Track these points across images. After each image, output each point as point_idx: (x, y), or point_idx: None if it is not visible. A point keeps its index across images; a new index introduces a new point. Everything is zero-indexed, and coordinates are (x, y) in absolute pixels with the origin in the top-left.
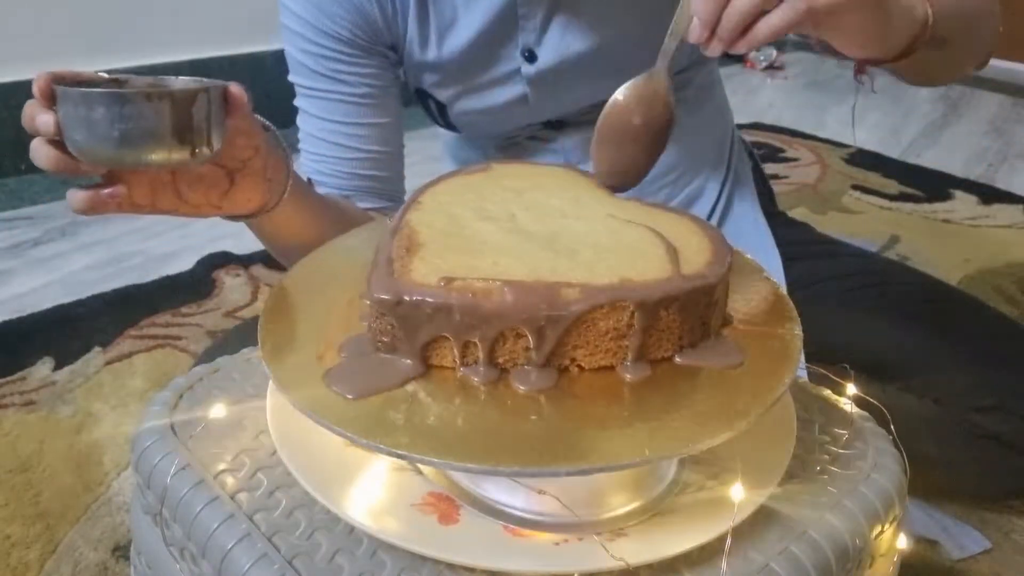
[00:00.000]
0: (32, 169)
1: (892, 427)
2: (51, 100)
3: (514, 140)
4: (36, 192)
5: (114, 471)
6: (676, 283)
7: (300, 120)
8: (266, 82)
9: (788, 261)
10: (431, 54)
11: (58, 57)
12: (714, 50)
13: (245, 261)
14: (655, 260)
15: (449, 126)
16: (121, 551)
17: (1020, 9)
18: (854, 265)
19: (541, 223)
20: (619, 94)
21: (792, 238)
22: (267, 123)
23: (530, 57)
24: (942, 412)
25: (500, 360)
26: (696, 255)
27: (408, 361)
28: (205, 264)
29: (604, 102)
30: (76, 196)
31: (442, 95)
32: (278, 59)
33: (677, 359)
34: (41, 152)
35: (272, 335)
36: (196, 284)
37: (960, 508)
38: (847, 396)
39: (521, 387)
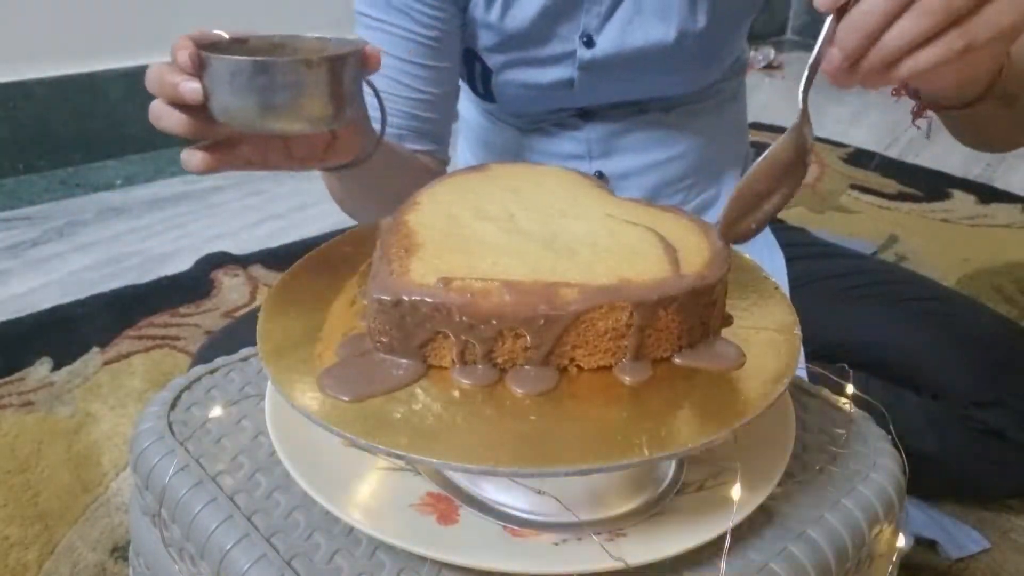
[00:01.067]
0: (30, 169)
1: (891, 427)
2: (198, 67)
3: (540, 125)
4: (34, 192)
5: (112, 471)
6: (675, 283)
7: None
8: None
9: (787, 261)
10: (494, 16)
11: (57, 57)
12: (844, 81)
13: (243, 261)
14: (654, 260)
15: (486, 95)
16: (119, 552)
17: None
18: (850, 265)
19: (540, 223)
20: (774, 155)
21: (789, 240)
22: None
23: (588, 42)
24: (942, 408)
25: (499, 360)
26: (695, 255)
27: (406, 361)
28: (203, 264)
29: (647, 100)
30: (195, 157)
31: (492, 60)
32: None
33: (676, 359)
34: (172, 117)
35: (271, 335)
36: (194, 284)
37: (959, 508)
38: (846, 396)
39: (520, 387)
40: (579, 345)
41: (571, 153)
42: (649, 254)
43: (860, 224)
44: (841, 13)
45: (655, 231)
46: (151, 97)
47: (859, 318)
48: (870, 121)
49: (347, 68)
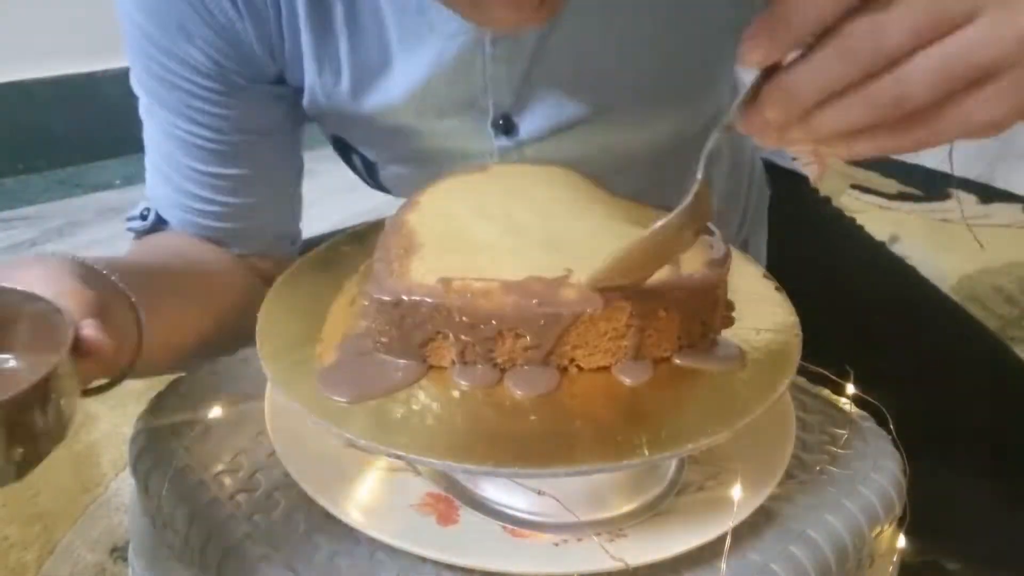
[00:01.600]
0: (30, 169)
1: (891, 426)
2: None
3: None
4: (33, 192)
5: (112, 472)
6: (675, 283)
7: (145, 135)
8: None
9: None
10: (347, 106)
11: (57, 57)
12: (767, 142)
13: None
14: None
15: (380, 186)
16: (119, 552)
17: None
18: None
19: (540, 223)
20: (671, 226)
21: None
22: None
23: (507, 127)
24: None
25: (499, 360)
26: (695, 255)
27: (405, 362)
28: None
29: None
30: None
31: (369, 153)
32: None
33: (676, 360)
34: None
35: (271, 335)
36: None
37: None
38: (846, 396)
39: (520, 389)
40: (579, 345)
41: None
42: None
43: (861, 223)
44: (770, 72)
45: None
46: None
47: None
48: None
49: (36, 404)
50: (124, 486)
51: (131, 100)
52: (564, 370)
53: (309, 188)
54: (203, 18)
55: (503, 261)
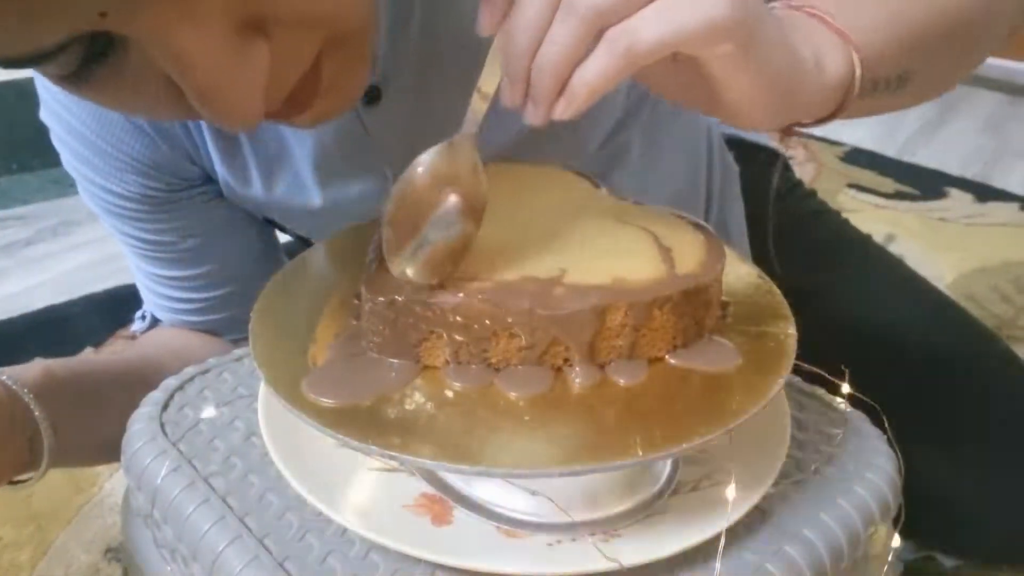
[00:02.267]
0: (24, 168)
1: (887, 425)
2: None
3: None
4: (27, 192)
5: (106, 472)
6: (669, 283)
7: (124, 249)
8: None
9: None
10: (262, 197)
11: None
12: (535, 117)
13: None
14: (649, 260)
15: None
16: (113, 553)
17: None
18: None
19: (536, 222)
20: (418, 169)
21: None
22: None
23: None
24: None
25: (493, 360)
26: (689, 254)
27: (398, 362)
28: None
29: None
30: None
31: (300, 230)
32: None
33: (671, 360)
34: None
35: (263, 335)
36: None
37: None
38: (841, 395)
39: (513, 390)
40: (569, 347)
41: None
42: (644, 254)
43: (857, 223)
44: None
45: (649, 230)
46: None
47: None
48: (867, 120)
49: None
50: (118, 487)
51: None
52: (558, 370)
53: None
54: (117, 152)
55: (497, 261)
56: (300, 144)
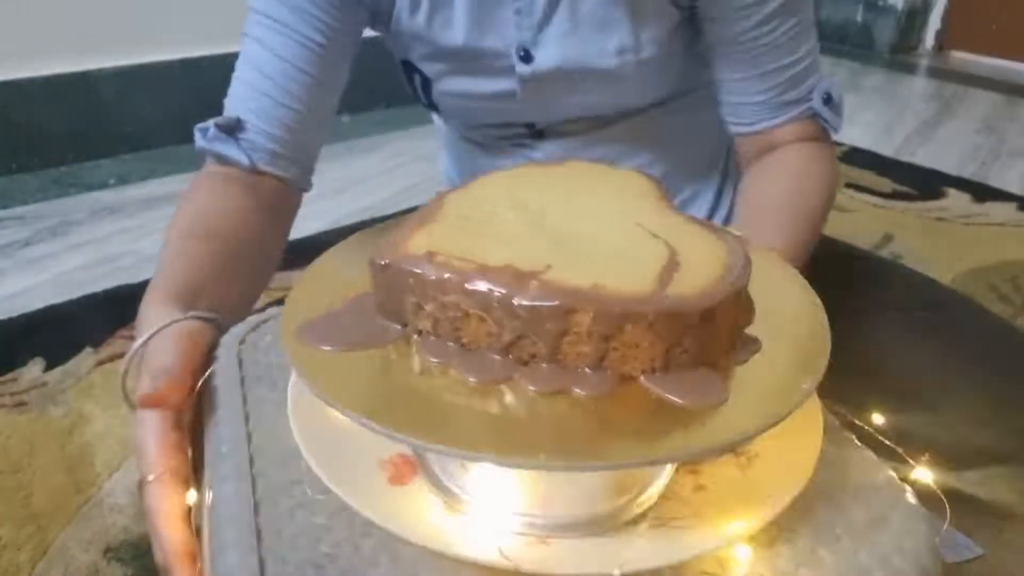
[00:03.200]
0: (23, 168)
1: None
2: None
3: (498, 143)
4: (27, 192)
5: (105, 472)
6: (647, 300)
7: (247, 49)
8: None
9: None
10: (419, 25)
11: (48, 56)
12: None
13: None
14: (643, 274)
15: (431, 105)
16: (112, 553)
17: (1014, 7)
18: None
19: (566, 222)
20: None
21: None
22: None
23: (525, 57)
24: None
25: (465, 340)
26: (696, 280)
27: (389, 324)
28: None
29: (603, 115)
30: None
31: (429, 69)
32: None
33: (643, 380)
34: None
35: (303, 288)
36: None
37: (954, 511)
38: (871, 443)
39: (470, 373)
40: (536, 342)
41: None
42: (643, 267)
43: (855, 223)
44: None
45: (673, 247)
46: (144, 96)
47: (854, 331)
48: (865, 120)
49: None
50: (117, 487)
51: (125, 99)
52: (525, 364)
53: None
54: None
55: (498, 249)
56: None
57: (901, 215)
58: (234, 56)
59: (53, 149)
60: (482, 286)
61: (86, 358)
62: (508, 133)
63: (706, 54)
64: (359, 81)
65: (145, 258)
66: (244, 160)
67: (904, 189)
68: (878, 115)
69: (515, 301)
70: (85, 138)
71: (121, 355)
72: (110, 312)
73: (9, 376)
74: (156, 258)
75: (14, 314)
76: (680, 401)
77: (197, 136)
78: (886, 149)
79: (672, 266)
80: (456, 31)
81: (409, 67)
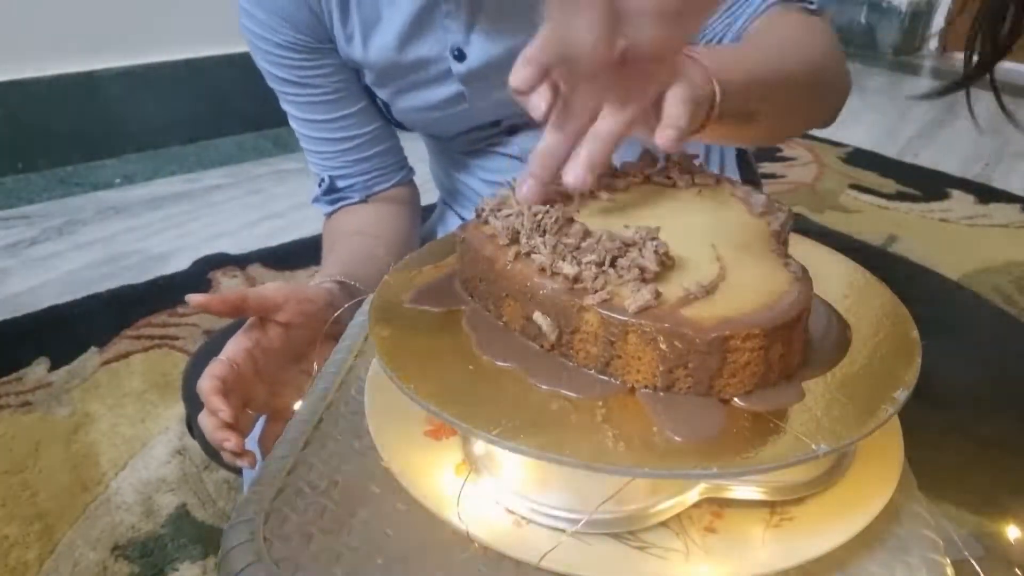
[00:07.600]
0: (29, 168)
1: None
2: None
3: (474, 147)
4: (33, 191)
5: (112, 471)
6: (651, 315)
7: (292, 123)
8: (263, 81)
9: None
10: (357, 53)
11: (54, 56)
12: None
13: (241, 261)
14: (668, 289)
15: (398, 124)
16: (120, 550)
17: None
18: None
19: (650, 219)
20: None
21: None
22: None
23: (459, 56)
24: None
25: (504, 320)
26: (725, 310)
27: (460, 298)
28: (201, 264)
29: None
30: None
31: (382, 92)
32: None
33: (638, 393)
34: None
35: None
36: (192, 284)
37: (952, 510)
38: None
39: (486, 351)
40: (580, 339)
41: (514, 168)
42: (673, 283)
43: (859, 223)
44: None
45: (724, 273)
46: (150, 96)
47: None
48: (869, 120)
49: None
50: (124, 485)
51: (130, 99)
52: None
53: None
54: (279, 16)
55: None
56: (390, 12)
57: (905, 216)
58: (239, 56)
59: (59, 149)
60: (518, 272)
61: (91, 358)
62: (479, 136)
63: None
64: None
65: (151, 257)
66: (357, 197)
67: (908, 190)
68: (882, 116)
69: (532, 290)
70: (91, 138)
71: (126, 355)
72: (115, 312)
73: (14, 376)
74: (161, 258)
75: (19, 314)
76: (668, 430)
77: (322, 207)
78: (890, 150)
79: (709, 287)
80: (390, 49)
81: (371, 92)
